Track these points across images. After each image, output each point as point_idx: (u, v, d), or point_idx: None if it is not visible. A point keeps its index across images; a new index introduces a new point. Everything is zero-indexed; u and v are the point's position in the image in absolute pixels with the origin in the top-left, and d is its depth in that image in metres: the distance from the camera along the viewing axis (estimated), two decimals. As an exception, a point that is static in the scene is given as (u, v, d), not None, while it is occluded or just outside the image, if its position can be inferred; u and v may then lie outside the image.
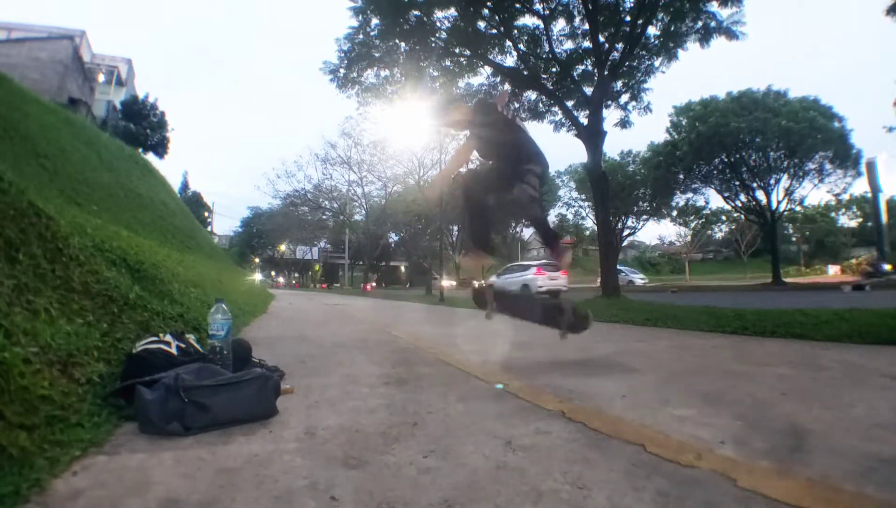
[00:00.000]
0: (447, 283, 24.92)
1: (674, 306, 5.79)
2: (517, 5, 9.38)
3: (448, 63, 10.35)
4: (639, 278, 29.98)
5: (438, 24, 9.58)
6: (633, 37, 9.08)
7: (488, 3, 9.23)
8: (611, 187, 12.24)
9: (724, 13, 8.97)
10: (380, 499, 0.91)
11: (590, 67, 10.28)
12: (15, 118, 6.81)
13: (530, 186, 2.64)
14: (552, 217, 41.60)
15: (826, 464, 1.06)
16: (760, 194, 23.18)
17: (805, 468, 1.05)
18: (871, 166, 26.35)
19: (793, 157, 21.74)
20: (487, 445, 1.23)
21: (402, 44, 9.69)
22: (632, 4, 9.08)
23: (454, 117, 3.09)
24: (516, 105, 11.09)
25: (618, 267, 15.67)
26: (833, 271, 36.76)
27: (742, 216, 29.83)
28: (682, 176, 24.21)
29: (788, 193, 22.97)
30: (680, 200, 27.81)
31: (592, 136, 9.15)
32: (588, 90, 9.96)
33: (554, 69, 10.37)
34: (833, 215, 50.22)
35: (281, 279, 62.60)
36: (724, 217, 43.67)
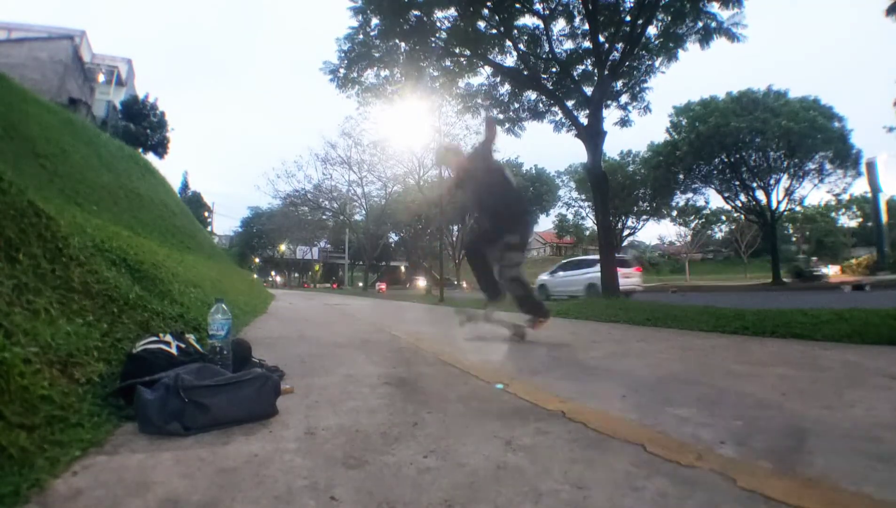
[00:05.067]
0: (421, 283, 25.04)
1: (674, 306, 5.79)
2: (517, 5, 9.38)
3: (448, 63, 10.36)
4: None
5: (438, 24, 9.58)
6: (633, 37, 9.08)
7: (488, 3, 9.24)
8: (611, 187, 12.22)
9: (724, 14, 8.96)
10: (380, 499, 0.91)
11: (590, 67, 10.29)
12: (15, 118, 6.81)
13: (511, 267, 3.02)
14: (552, 217, 41.82)
15: (826, 464, 1.06)
16: (760, 194, 23.22)
17: (805, 468, 1.05)
18: (871, 166, 26.41)
19: (793, 157, 21.78)
20: (487, 445, 1.23)
21: (402, 44, 9.69)
22: (632, 4, 9.08)
23: (450, 165, 3.42)
24: (516, 105, 11.10)
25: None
26: (833, 271, 36.81)
27: (742, 216, 29.86)
28: (682, 176, 24.25)
29: (788, 193, 23.00)
30: (680, 200, 27.88)
31: (592, 136, 9.15)
32: (588, 90, 9.96)
33: (554, 69, 10.37)
34: (833, 215, 50.26)
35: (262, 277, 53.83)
36: (724, 217, 43.77)
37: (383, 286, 34.65)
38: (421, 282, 27.27)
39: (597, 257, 14.34)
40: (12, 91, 8.29)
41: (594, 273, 11.78)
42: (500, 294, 3.32)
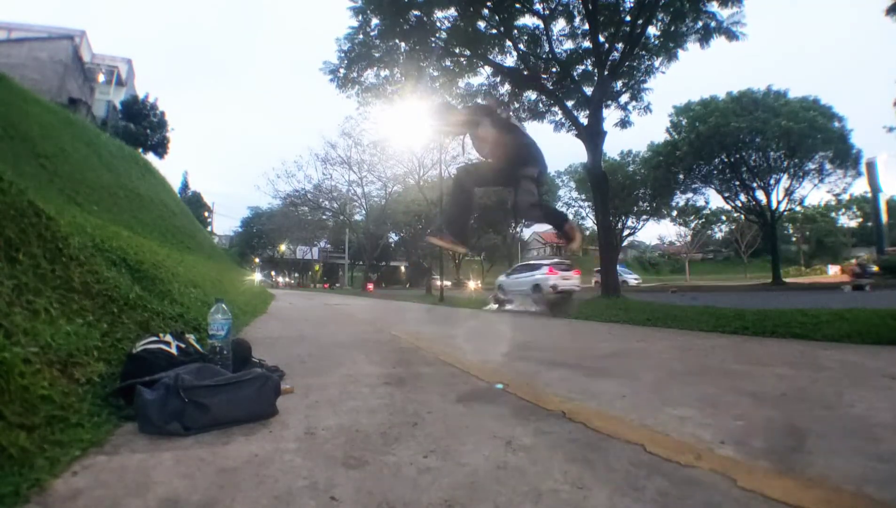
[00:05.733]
0: (446, 282, 24.59)
1: (674, 306, 5.79)
2: (517, 5, 9.38)
3: (448, 63, 10.36)
4: (632, 278, 29.34)
5: (438, 24, 9.58)
6: (633, 37, 9.08)
7: (488, 3, 9.24)
8: (611, 187, 12.24)
9: (724, 13, 8.97)
10: (380, 499, 0.91)
11: (590, 67, 10.29)
12: (15, 118, 6.81)
13: (528, 193, 2.76)
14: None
15: (826, 464, 1.06)
16: (760, 194, 23.19)
17: (805, 468, 1.05)
18: (871, 166, 26.42)
19: (793, 157, 21.75)
20: (487, 445, 1.23)
21: (402, 44, 9.69)
22: (632, 4, 9.08)
23: (452, 120, 3.17)
24: (516, 105, 11.09)
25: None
26: (833, 271, 36.78)
27: (742, 216, 29.83)
28: (682, 176, 24.20)
29: (788, 193, 22.98)
30: (680, 200, 27.81)
31: (592, 136, 9.15)
32: (588, 90, 9.96)
33: (554, 69, 10.38)
34: (833, 215, 50.24)
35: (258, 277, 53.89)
36: (724, 217, 43.68)
37: (370, 286, 34.28)
38: (438, 282, 26.46)
39: (541, 261, 15.92)
40: (12, 91, 8.29)
41: (538, 275, 14.40)
42: (465, 242, 3.17)
